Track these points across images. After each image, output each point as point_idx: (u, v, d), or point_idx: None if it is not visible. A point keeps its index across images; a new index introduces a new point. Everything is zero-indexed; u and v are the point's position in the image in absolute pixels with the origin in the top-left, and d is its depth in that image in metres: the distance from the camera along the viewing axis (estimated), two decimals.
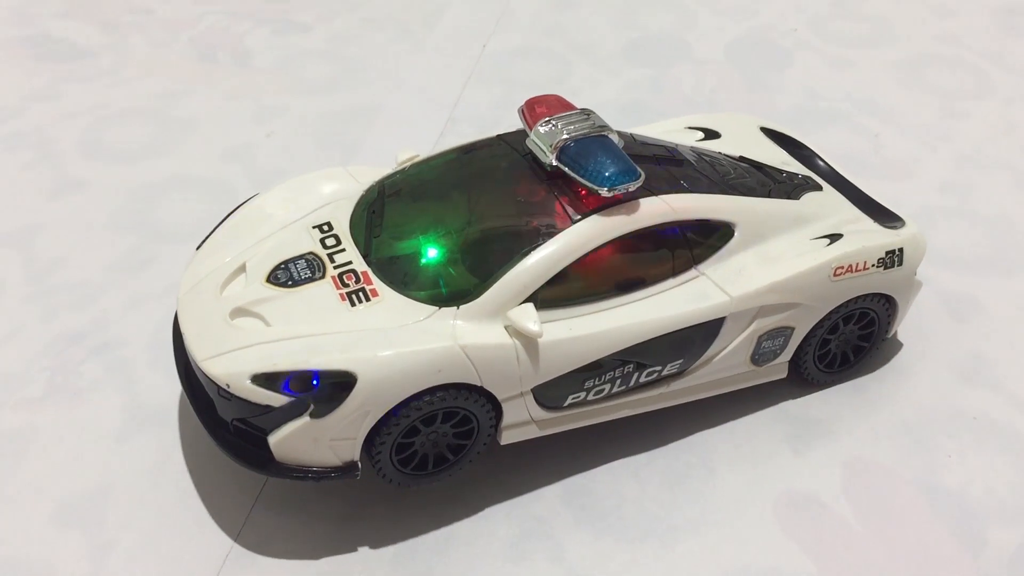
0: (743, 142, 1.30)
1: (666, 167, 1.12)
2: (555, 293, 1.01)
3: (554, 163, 1.04)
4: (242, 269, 1.05)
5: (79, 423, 1.14)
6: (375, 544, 1.03)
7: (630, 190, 1.02)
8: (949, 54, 1.86)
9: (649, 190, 1.05)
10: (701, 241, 1.09)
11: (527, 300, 0.99)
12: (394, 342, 0.95)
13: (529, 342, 0.98)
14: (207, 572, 1.00)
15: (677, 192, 1.08)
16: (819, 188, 1.24)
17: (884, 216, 1.21)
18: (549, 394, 1.02)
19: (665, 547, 1.04)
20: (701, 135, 1.31)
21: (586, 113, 1.09)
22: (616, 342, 1.01)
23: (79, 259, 1.36)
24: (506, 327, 0.98)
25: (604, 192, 1.01)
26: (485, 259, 1.01)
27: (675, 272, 1.07)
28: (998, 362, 1.25)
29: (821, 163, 1.30)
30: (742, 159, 1.24)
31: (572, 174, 1.03)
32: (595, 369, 1.02)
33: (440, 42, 1.87)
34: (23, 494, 1.07)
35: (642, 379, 1.06)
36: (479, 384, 0.97)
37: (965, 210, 1.49)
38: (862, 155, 1.59)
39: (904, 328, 1.29)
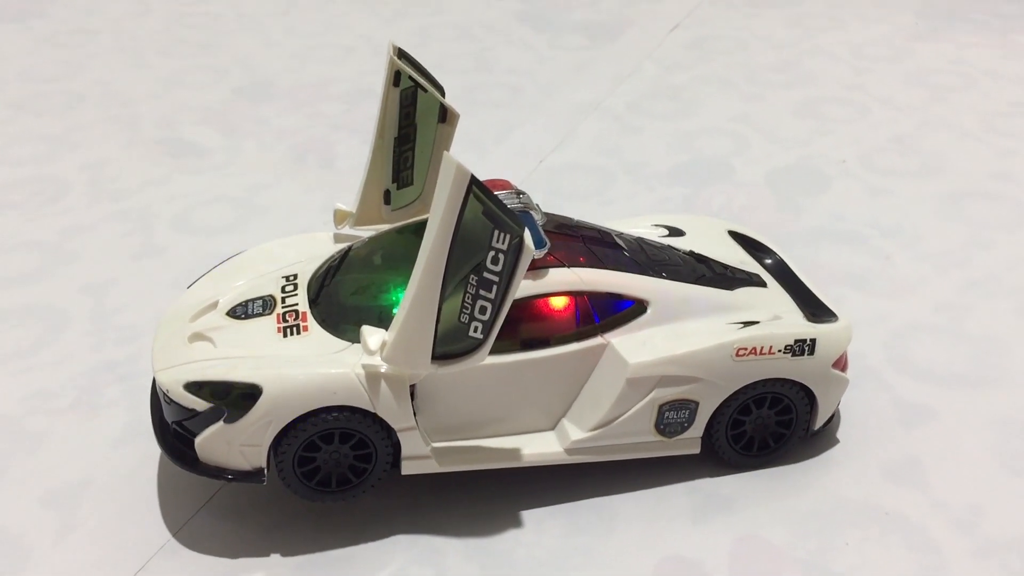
0: (705, 241, 1.39)
1: (590, 246, 1.24)
2: None
3: None
4: (214, 306, 1.24)
5: (87, 431, 1.35)
6: (287, 553, 1.17)
7: (534, 257, 1.14)
8: (996, 191, 1.87)
9: (561, 262, 1.18)
10: (611, 313, 1.19)
11: None
12: (302, 365, 1.10)
13: (384, 352, 1.09)
14: (138, 559, 1.17)
15: (592, 267, 1.19)
16: (763, 285, 1.31)
17: (820, 313, 1.27)
18: (452, 349, 1.08)
19: None
20: (665, 231, 1.42)
21: (518, 193, 1.23)
22: (431, 285, 1.05)
23: (136, 307, 1.61)
24: None
25: None
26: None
27: (580, 338, 1.17)
28: (931, 468, 1.25)
29: (779, 265, 1.37)
30: (691, 253, 1.34)
31: None
32: (451, 305, 1.06)
33: (503, 156, 2.06)
34: (24, 479, 1.28)
35: (493, 266, 1.05)
36: (373, 410, 1.10)
37: (953, 329, 1.50)
38: (867, 273, 1.63)
39: (845, 426, 1.31)
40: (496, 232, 1.04)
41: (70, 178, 2.01)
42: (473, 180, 1.02)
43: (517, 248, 1.04)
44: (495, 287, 1.06)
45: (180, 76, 2.46)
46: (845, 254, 1.68)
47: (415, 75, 1.29)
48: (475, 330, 1.08)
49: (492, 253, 1.05)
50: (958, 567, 1.12)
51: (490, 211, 1.03)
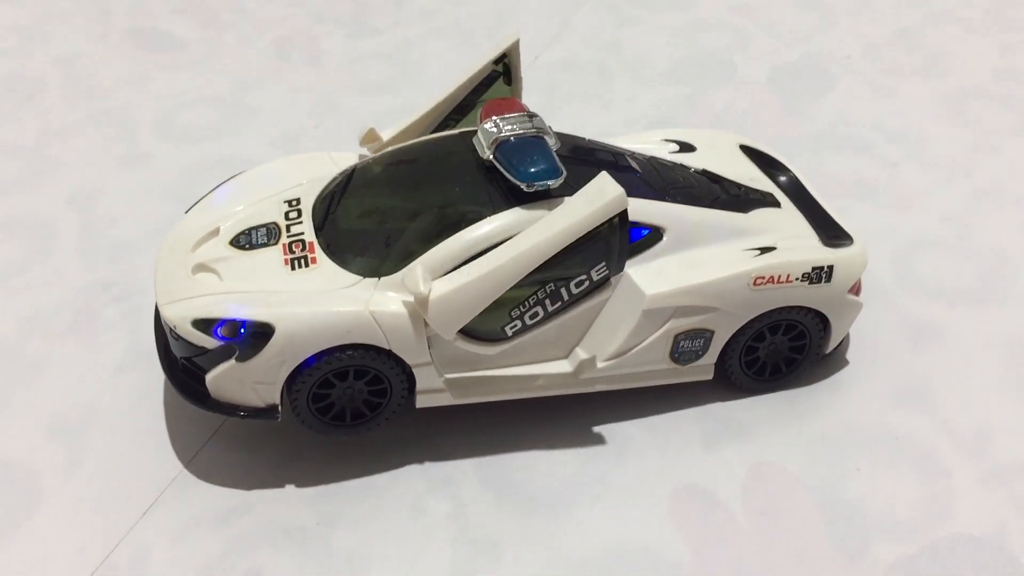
0: (717, 157, 1.36)
1: (604, 171, 1.19)
2: None
3: (490, 158, 1.14)
4: (215, 233, 1.20)
5: (87, 356, 1.32)
6: (300, 484, 1.16)
7: (550, 187, 1.11)
8: (1001, 91, 1.83)
9: (575, 190, 1.14)
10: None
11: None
12: (314, 302, 1.08)
13: (425, 303, 1.06)
14: (152, 491, 1.16)
15: None
16: (776, 205, 1.28)
17: (835, 234, 1.25)
18: (482, 330, 1.10)
19: (556, 518, 1.12)
20: (676, 147, 1.38)
21: (530, 116, 1.18)
22: (514, 273, 1.06)
23: (127, 221, 1.56)
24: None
25: (524, 187, 1.11)
26: (412, 239, 1.12)
27: None
28: (940, 390, 1.26)
29: (792, 182, 1.34)
30: (704, 172, 1.30)
31: (502, 169, 1.13)
32: (514, 298, 1.08)
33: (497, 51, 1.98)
34: (27, 407, 1.26)
35: (574, 290, 1.10)
36: (387, 347, 1.08)
37: (960, 243, 1.48)
38: (873, 183, 1.61)
39: (855, 348, 1.31)
40: (603, 263, 1.08)
41: (43, 74, 1.92)
42: (624, 211, 1.06)
43: (601, 283, 1.10)
44: (559, 304, 1.10)
45: None
46: (851, 162, 1.65)
47: (514, 67, 1.31)
48: (511, 328, 1.10)
49: (584, 277, 1.09)
50: (966, 493, 1.14)
51: (611, 242, 1.08)
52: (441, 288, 1.06)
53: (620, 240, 1.07)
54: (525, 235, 1.06)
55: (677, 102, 1.82)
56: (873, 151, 1.68)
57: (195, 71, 1.94)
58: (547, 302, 1.09)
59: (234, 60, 1.97)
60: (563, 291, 1.08)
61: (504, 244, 1.07)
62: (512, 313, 1.08)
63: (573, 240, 1.05)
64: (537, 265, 1.06)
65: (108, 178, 1.65)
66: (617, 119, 1.78)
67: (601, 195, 1.06)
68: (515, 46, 1.29)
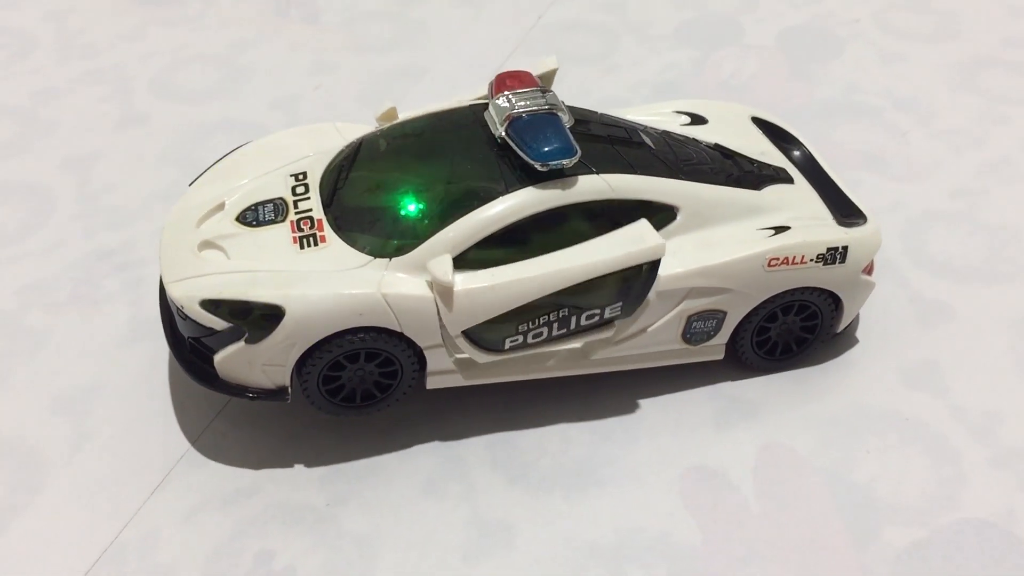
0: (728, 130, 1.33)
1: (617, 148, 1.17)
2: (488, 255, 1.09)
3: (502, 135, 1.12)
4: (221, 207, 1.18)
5: (89, 328, 1.31)
6: (309, 463, 1.16)
7: (564, 166, 1.09)
8: (1011, 58, 1.81)
9: (589, 168, 1.12)
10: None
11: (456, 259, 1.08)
12: (325, 284, 1.06)
13: (448, 295, 1.06)
14: (162, 468, 1.15)
15: (621, 172, 1.14)
16: (789, 181, 1.27)
17: (849, 213, 1.24)
18: (485, 336, 1.10)
19: (568, 501, 1.12)
20: (687, 119, 1.35)
21: (543, 91, 1.16)
22: (538, 289, 1.07)
23: (125, 186, 1.53)
24: (428, 281, 1.07)
25: (538, 166, 1.09)
26: (423, 218, 1.10)
27: None
28: (949, 370, 1.25)
29: (805, 157, 1.32)
30: (717, 146, 1.28)
31: (515, 147, 1.10)
32: (527, 313, 1.09)
33: (499, 10, 1.95)
34: (30, 383, 1.24)
35: (583, 322, 1.12)
36: (399, 330, 1.07)
37: (969, 217, 1.47)
38: (883, 153, 1.59)
39: (864, 326, 1.31)
40: (621, 303, 1.10)
41: (35, 30, 1.87)
42: (657, 261, 1.08)
43: (609, 322, 1.11)
44: (564, 331, 1.11)
45: None
46: (860, 131, 1.63)
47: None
48: (512, 341, 1.10)
49: (598, 311, 1.10)
50: (975, 476, 1.14)
51: (634, 286, 1.09)
52: (466, 284, 1.05)
53: (643, 286, 1.09)
54: (557, 256, 1.07)
55: (683, 66, 1.79)
56: (882, 119, 1.66)
57: (191, 26, 1.89)
58: (555, 326, 1.09)
59: (231, 15, 1.92)
60: (573, 320, 1.09)
61: (534, 260, 1.07)
62: (519, 327, 1.08)
63: (600, 275, 1.06)
64: (560, 288, 1.06)
65: (103, 140, 1.62)
66: (622, 84, 1.75)
67: (640, 241, 1.08)
68: (551, 75, 1.26)
